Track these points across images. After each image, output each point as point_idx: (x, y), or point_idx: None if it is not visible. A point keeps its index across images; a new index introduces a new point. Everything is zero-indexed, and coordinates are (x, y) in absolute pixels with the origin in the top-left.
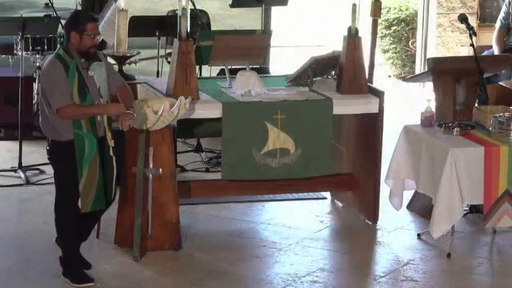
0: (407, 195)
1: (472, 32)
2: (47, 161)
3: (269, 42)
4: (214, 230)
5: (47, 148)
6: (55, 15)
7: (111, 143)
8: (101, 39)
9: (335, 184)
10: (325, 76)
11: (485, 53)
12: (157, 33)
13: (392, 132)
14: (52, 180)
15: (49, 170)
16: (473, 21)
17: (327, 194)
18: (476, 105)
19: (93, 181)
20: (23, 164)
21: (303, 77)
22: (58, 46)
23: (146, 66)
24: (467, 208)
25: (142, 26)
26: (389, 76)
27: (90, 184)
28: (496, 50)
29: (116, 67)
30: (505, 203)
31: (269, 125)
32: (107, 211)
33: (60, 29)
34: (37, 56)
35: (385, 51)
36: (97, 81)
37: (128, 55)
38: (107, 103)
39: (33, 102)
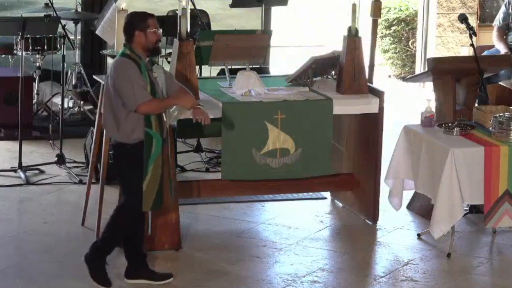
0: (407, 195)
1: (472, 32)
2: (47, 161)
3: (269, 42)
4: (214, 230)
5: (111, 152)
6: (55, 15)
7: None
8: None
9: (335, 184)
10: (325, 76)
11: (485, 53)
12: None
13: (392, 132)
14: (52, 180)
15: (49, 170)
16: (473, 21)
17: (327, 194)
18: (476, 105)
19: (156, 181)
20: (23, 164)
21: (303, 77)
22: (123, 48)
23: None
24: (467, 208)
25: None
26: (389, 76)
27: (153, 184)
28: (501, 49)
29: None
30: (505, 203)
31: (269, 125)
32: (107, 211)
33: (60, 29)
34: (37, 56)
35: (385, 51)
36: (160, 83)
37: None
38: (181, 95)
39: (33, 102)
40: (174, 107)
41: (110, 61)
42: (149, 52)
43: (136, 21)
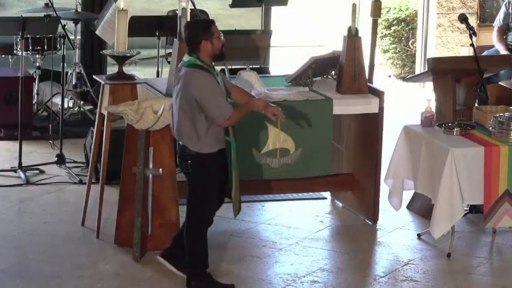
0: (407, 195)
1: (472, 32)
2: (47, 161)
3: (269, 42)
4: (214, 230)
5: (189, 162)
6: (55, 15)
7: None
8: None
9: (335, 184)
10: (325, 76)
11: (485, 53)
12: (157, 33)
13: (392, 132)
14: (52, 180)
15: (49, 170)
16: (473, 21)
17: (327, 194)
18: (476, 105)
19: (238, 186)
20: (23, 164)
21: (303, 77)
22: (188, 58)
23: (146, 66)
24: (467, 208)
25: (142, 26)
26: (389, 76)
27: (237, 189)
28: (500, 49)
29: (116, 67)
30: (505, 203)
31: (269, 125)
32: (107, 211)
33: (60, 29)
34: (37, 56)
35: (385, 51)
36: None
37: (128, 55)
38: (251, 100)
39: (33, 102)
40: None
41: (110, 61)
42: (215, 58)
43: (200, 31)
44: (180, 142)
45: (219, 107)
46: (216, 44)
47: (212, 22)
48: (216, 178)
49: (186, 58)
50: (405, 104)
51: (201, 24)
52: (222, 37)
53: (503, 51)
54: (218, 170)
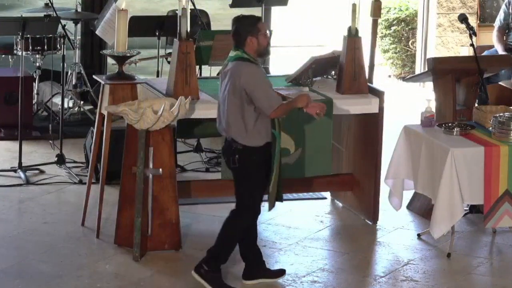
0: (407, 195)
1: (472, 32)
2: (47, 161)
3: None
4: (214, 230)
5: (236, 157)
6: (55, 15)
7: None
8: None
9: (335, 184)
10: (325, 76)
11: (485, 53)
12: (157, 33)
13: (392, 132)
14: (52, 180)
15: (49, 170)
16: (473, 21)
17: (327, 194)
18: (476, 105)
19: (276, 179)
20: (23, 164)
21: (303, 77)
22: (235, 52)
23: (146, 66)
24: (467, 208)
25: (142, 26)
26: (389, 76)
27: (276, 183)
28: (499, 49)
29: (116, 67)
30: (505, 203)
31: None
32: (107, 211)
33: (60, 29)
34: (37, 56)
35: (385, 51)
36: None
37: (128, 55)
38: (297, 96)
39: (33, 102)
40: (176, 103)
41: (110, 61)
42: (261, 55)
43: (247, 27)
44: (227, 137)
45: (268, 97)
46: (261, 41)
47: (259, 19)
48: (263, 171)
49: (232, 53)
50: (405, 104)
51: (248, 20)
52: (268, 35)
53: (501, 51)
54: (264, 163)
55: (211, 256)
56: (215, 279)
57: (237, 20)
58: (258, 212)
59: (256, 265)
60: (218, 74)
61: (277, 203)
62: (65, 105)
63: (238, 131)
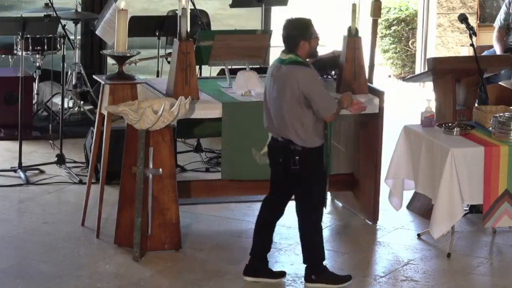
0: (407, 195)
1: (472, 32)
2: (47, 161)
3: (269, 42)
4: (214, 230)
5: (296, 158)
6: (55, 15)
7: None
8: None
9: (335, 184)
10: (325, 76)
11: (485, 53)
12: (157, 33)
13: (392, 132)
14: (52, 180)
15: (49, 170)
16: (473, 21)
17: (327, 194)
18: (476, 105)
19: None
20: (23, 164)
21: None
22: (288, 55)
23: (146, 66)
24: (467, 208)
25: (142, 26)
26: (389, 76)
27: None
28: (497, 49)
29: (116, 67)
30: (504, 203)
31: None
32: (107, 211)
33: (60, 29)
34: (37, 56)
35: (385, 51)
36: None
37: (128, 55)
38: (341, 97)
39: (33, 102)
40: (176, 103)
41: (110, 61)
42: (311, 56)
43: (300, 31)
44: (279, 138)
45: (326, 101)
46: (313, 44)
47: (310, 22)
48: (323, 169)
49: (284, 56)
50: (405, 104)
51: (301, 24)
52: (318, 36)
53: (499, 51)
54: (322, 162)
55: (310, 264)
56: (328, 277)
57: (289, 25)
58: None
59: (261, 264)
60: (218, 74)
61: None
62: (65, 105)
63: (297, 133)
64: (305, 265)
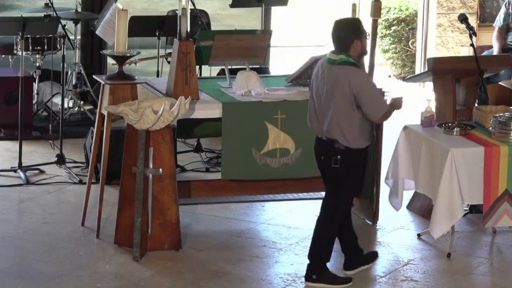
0: (407, 195)
1: (472, 32)
2: (47, 161)
3: (269, 42)
4: (214, 230)
5: (338, 157)
6: (55, 15)
7: None
8: None
9: None
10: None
11: (485, 53)
12: (157, 33)
13: (392, 132)
14: (52, 180)
15: (49, 170)
16: (473, 21)
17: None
18: (476, 105)
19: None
20: (23, 164)
21: (303, 77)
22: (339, 56)
23: (146, 66)
24: (467, 208)
25: (142, 26)
26: (389, 76)
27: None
28: (495, 48)
29: (116, 67)
30: (504, 203)
31: (269, 125)
32: (107, 211)
33: (60, 29)
34: (37, 56)
35: (385, 51)
36: None
37: (128, 55)
38: (392, 100)
39: (33, 102)
40: (176, 103)
41: (110, 61)
42: (361, 56)
43: (353, 31)
44: (324, 137)
45: (377, 102)
46: (364, 43)
47: (360, 21)
48: (361, 173)
49: (335, 56)
50: (405, 104)
51: (352, 24)
52: (368, 35)
53: (496, 51)
54: (363, 165)
55: (314, 261)
56: (329, 277)
57: (341, 25)
58: (349, 210)
59: (354, 257)
60: (218, 74)
61: (277, 204)
62: (65, 105)
63: (343, 133)
64: (308, 263)
